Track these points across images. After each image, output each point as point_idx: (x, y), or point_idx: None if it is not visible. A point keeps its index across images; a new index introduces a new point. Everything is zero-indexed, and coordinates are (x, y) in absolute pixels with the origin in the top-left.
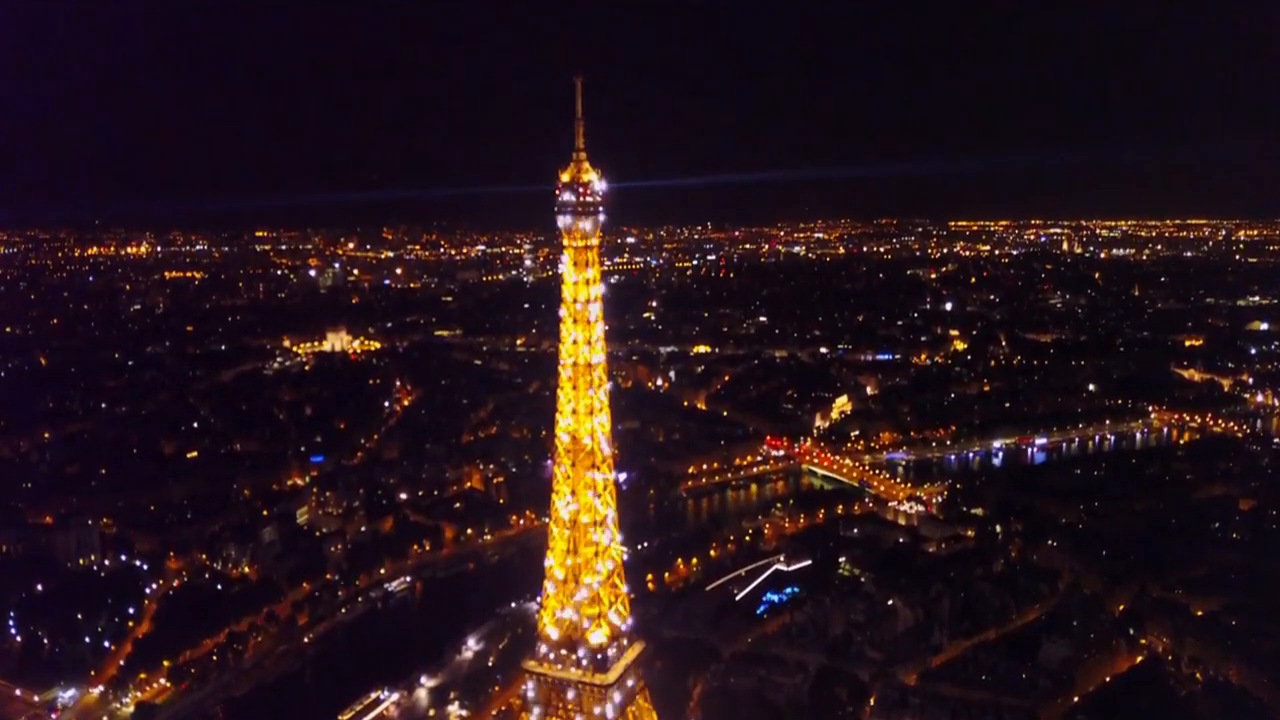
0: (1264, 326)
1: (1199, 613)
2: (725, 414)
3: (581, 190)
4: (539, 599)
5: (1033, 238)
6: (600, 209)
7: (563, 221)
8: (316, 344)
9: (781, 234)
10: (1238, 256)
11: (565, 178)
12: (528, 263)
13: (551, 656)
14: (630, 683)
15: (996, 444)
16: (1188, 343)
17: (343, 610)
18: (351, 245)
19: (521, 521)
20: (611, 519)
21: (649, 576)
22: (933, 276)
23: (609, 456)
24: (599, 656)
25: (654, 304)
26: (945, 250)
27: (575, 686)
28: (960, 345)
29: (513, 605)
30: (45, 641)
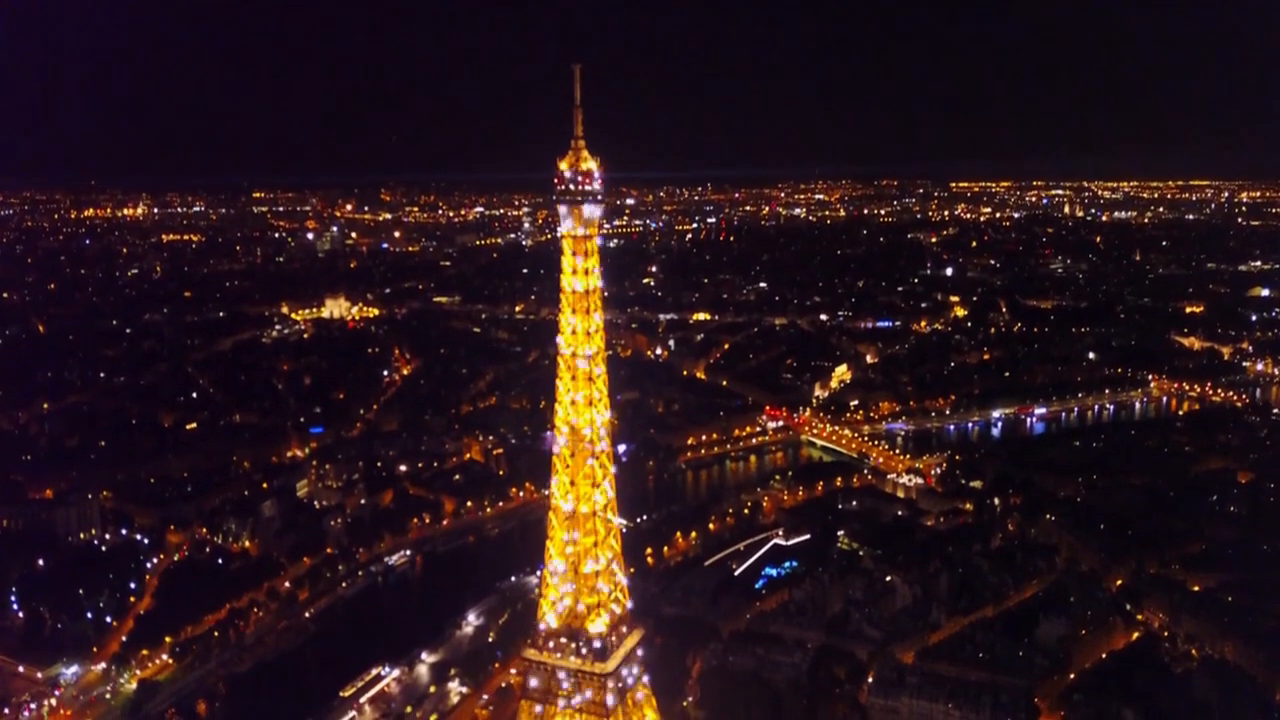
0: (1265, 293)
1: (1196, 589)
2: (724, 384)
3: (581, 179)
4: (539, 573)
5: (1034, 199)
6: (600, 197)
7: (561, 211)
8: (315, 311)
9: (782, 195)
10: (1240, 219)
11: (564, 166)
12: (526, 225)
13: (551, 645)
14: (630, 670)
15: (996, 414)
16: (1188, 309)
17: (343, 585)
18: (349, 207)
19: (521, 494)
20: (611, 508)
21: (648, 551)
22: (933, 240)
23: (608, 447)
24: (598, 645)
25: (653, 269)
26: (946, 213)
27: (574, 675)
28: (960, 312)
29: (513, 579)
30: (47, 618)
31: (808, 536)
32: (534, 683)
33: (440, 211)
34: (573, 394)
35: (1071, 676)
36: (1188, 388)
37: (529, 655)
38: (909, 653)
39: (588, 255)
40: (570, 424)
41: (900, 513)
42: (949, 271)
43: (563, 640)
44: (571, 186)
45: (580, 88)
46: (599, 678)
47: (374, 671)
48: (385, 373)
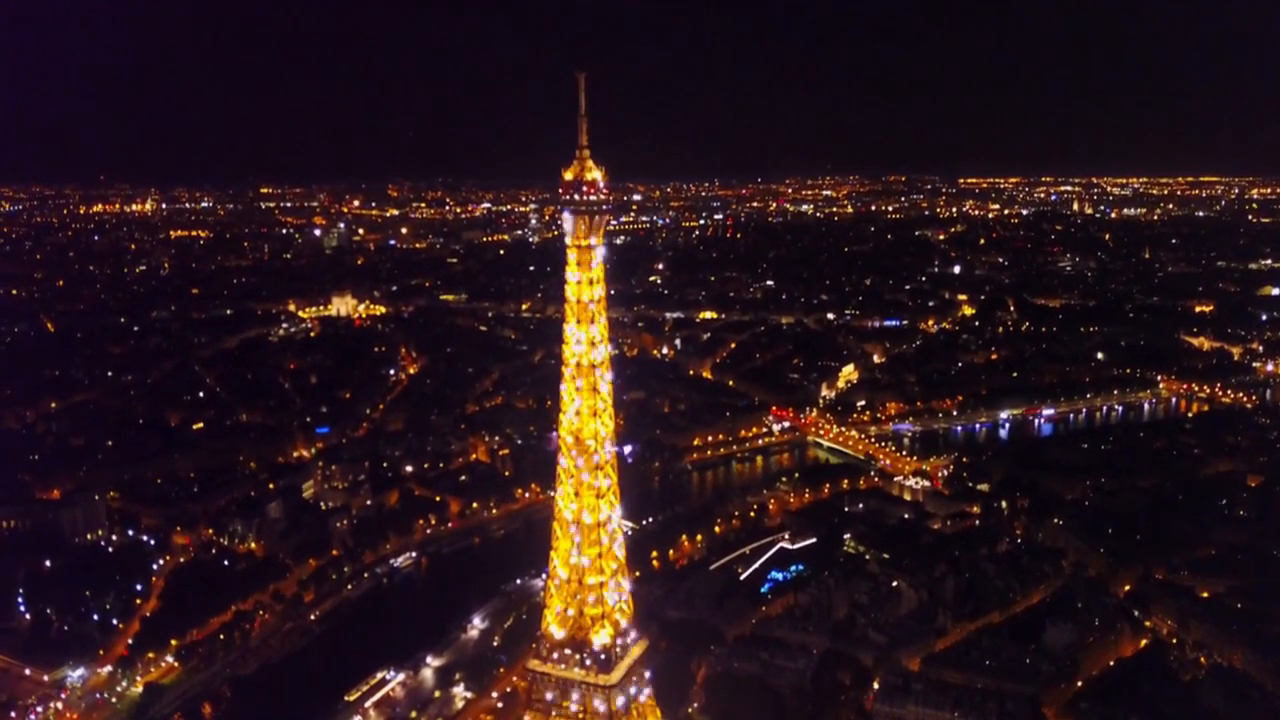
0: (1275, 291)
1: (1204, 595)
2: (731, 384)
3: (585, 189)
4: (544, 576)
5: (1043, 195)
6: (605, 208)
7: (566, 221)
8: (322, 308)
9: (790, 191)
10: (1251, 217)
11: (568, 176)
12: (533, 222)
13: (555, 656)
14: (634, 681)
15: (1003, 415)
16: (1198, 308)
17: (349, 587)
18: (357, 203)
19: (526, 495)
20: (615, 519)
21: (653, 554)
22: (941, 238)
23: (613, 457)
24: (603, 656)
25: (660, 266)
26: (955, 209)
27: (579, 686)
28: (968, 311)
29: (518, 582)
30: (54, 619)
31: (814, 540)
32: (538, 694)
33: (447, 207)
34: (577, 404)
35: (1079, 684)
36: (1197, 388)
37: (533, 666)
38: (915, 659)
39: (592, 265)
40: (574, 434)
41: (906, 516)
42: (957, 269)
43: (567, 651)
44: (576, 196)
45: (585, 96)
46: (603, 689)
47: (379, 675)
48: (391, 371)
